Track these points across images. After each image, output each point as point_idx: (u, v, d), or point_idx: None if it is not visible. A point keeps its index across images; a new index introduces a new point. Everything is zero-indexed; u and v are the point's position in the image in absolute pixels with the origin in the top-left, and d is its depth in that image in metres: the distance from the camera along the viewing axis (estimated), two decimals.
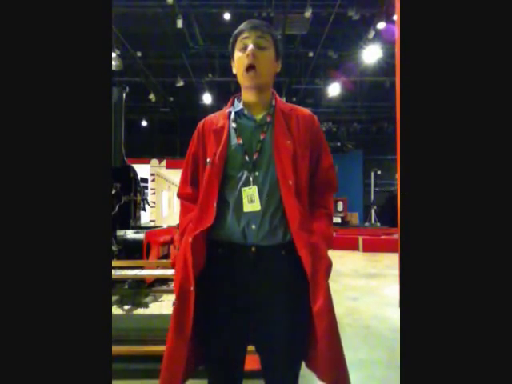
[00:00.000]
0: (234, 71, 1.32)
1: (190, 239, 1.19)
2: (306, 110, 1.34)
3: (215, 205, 1.20)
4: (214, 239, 1.22)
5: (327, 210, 1.31)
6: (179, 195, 1.38)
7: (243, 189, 1.20)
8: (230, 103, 1.34)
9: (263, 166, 1.22)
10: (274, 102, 1.30)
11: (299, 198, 1.20)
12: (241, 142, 1.24)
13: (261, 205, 1.19)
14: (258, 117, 1.27)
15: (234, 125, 1.27)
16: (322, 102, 12.87)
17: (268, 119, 1.26)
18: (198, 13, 8.52)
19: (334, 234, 11.29)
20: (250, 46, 1.22)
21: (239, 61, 1.25)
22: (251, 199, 1.20)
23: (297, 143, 1.23)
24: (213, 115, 1.35)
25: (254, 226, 1.20)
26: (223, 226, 1.22)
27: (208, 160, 1.25)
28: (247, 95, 1.29)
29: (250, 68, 1.22)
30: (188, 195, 1.34)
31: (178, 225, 1.35)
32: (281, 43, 1.33)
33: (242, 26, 1.27)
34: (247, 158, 1.22)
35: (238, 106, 1.30)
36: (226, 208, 1.22)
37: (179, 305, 1.19)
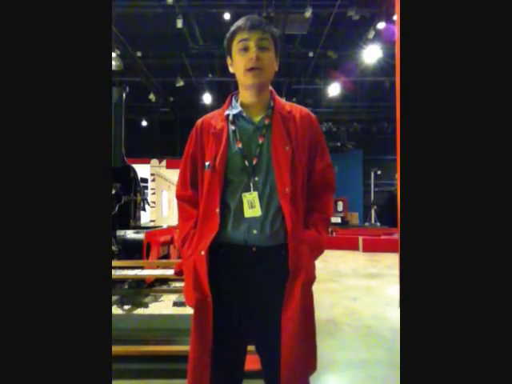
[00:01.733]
0: (231, 70, 1.30)
1: (203, 253, 1.19)
2: (305, 110, 1.33)
3: (218, 211, 1.20)
4: (214, 241, 1.21)
5: (323, 214, 1.30)
6: (178, 197, 1.36)
7: (243, 194, 1.20)
8: (227, 103, 1.33)
9: (262, 171, 1.22)
10: (272, 103, 1.29)
11: (294, 204, 1.20)
12: (240, 146, 1.23)
13: (261, 210, 1.19)
14: (257, 119, 1.27)
15: (232, 127, 1.26)
16: (322, 101, 12.86)
17: (266, 122, 1.25)
18: (197, 13, 8.52)
19: (334, 234, 11.25)
20: (253, 49, 1.20)
21: (240, 62, 1.23)
22: (252, 205, 1.20)
23: (295, 147, 1.23)
24: (210, 115, 1.34)
25: (255, 231, 1.20)
26: (224, 230, 1.22)
27: (207, 163, 1.24)
28: (246, 95, 1.28)
29: (252, 68, 1.21)
30: (188, 197, 1.33)
31: (178, 228, 1.35)
32: (279, 41, 1.31)
33: (240, 24, 1.23)
34: (247, 162, 1.22)
35: (236, 106, 1.28)
36: (226, 212, 1.22)
37: (198, 316, 1.19)
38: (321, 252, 1.27)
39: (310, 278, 1.21)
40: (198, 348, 1.19)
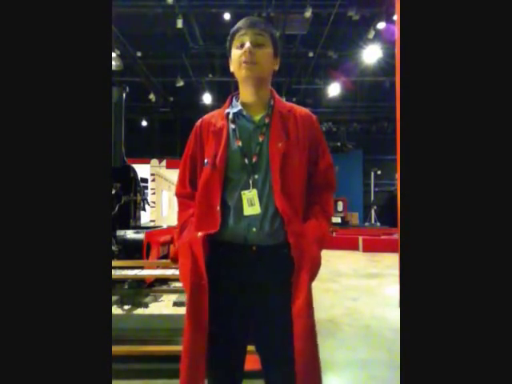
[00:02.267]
0: (232, 69, 1.31)
1: (199, 234, 1.19)
2: (305, 110, 1.33)
3: (219, 209, 1.20)
4: (214, 240, 1.22)
5: (323, 208, 1.30)
6: (178, 195, 1.37)
7: (243, 192, 1.20)
8: (227, 102, 1.33)
9: (262, 168, 1.22)
10: (272, 102, 1.29)
11: (289, 201, 1.20)
12: (240, 144, 1.24)
13: (261, 208, 1.20)
14: (257, 118, 1.27)
15: (232, 126, 1.26)
16: (322, 101, 12.86)
17: (266, 120, 1.26)
18: (197, 13, 8.52)
19: (334, 234, 11.22)
20: (247, 44, 1.21)
21: (236, 57, 1.24)
22: (251, 202, 1.20)
23: (293, 145, 1.23)
24: (210, 115, 1.34)
25: (254, 229, 1.20)
26: (224, 228, 1.21)
27: (206, 160, 1.24)
28: (246, 93, 1.28)
29: (246, 62, 1.22)
30: (187, 194, 1.34)
31: (177, 218, 1.35)
32: (279, 41, 1.32)
33: (239, 24, 1.26)
34: (246, 160, 1.22)
35: (237, 105, 1.29)
36: (226, 211, 1.22)
37: (193, 300, 1.19)
38: (324, 242, 1.25)
39: (317, 265, 1.21)
40: (194, 333, 1.17)
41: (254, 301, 1.20)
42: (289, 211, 1.19)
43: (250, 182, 1.21)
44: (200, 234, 1.19)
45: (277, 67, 1.31)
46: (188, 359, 1.18)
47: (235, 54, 1.25)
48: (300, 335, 1.15)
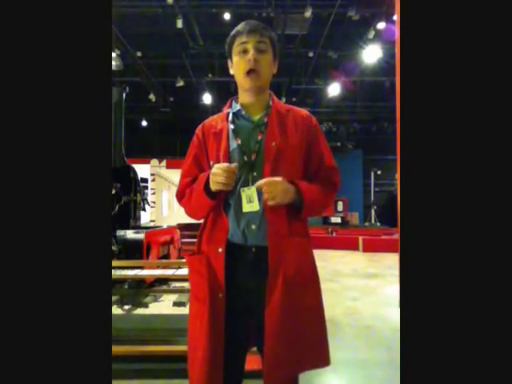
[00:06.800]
0: (232, 72, 1.32)
1: (221, 250, 1.19)
2: (304, 111, 1.34)
3: (222, 208, 1.22)
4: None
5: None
6: (179, 194, 1.36)
7: (242, 189, 1.21)
8: (227, 105, 1.35)
9: (261, 166, 1.22)
10: (271, 103, 1.30)
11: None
12: (239, 142, 1.25)
13: (259, 205, 1.20)
14: (256, 117, 1.28)
15: (232, 126, 1.28)
16: (322, 101, 12.85)
17: (265, 120, 1.27)
18: (198, 13, 8.51)
19: (334, 234, 11.17)
20: (252, 52, 1.23)
21: (239, 65, 1.26)
22: (250, 199, 1.20)
23: (289, 144, 1.23)
24: (211, 118, 1.36)
25: (253, 226, 1.20)
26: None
27: (212, 163, 1.26)
28: (245, 97, 1.30)
29: (250, 71, 1.23)
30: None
31: (179, 184, 1.36)
32: (278, 43, 1.33)
33: (239, 28, 1.27)
34: (245, 158, 1.23)
35: (236, 107, 1.31)
36: (226, 209, 1.23)
37: (212, 312, 1.18)
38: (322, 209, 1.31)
39: (290, 275, 1.18)
40: (213, 343, 1.17)
41: (255, 302, 1.20)
42: (274, 209, 1.19)
43: (250, 179, 1.22)
44: (220, 249, 1.20)
45: (275, 70, 1.33)
46: (208, 368, 1.17)
47: (238, 61, 1.26)
48: (269, 335, 1.15)
